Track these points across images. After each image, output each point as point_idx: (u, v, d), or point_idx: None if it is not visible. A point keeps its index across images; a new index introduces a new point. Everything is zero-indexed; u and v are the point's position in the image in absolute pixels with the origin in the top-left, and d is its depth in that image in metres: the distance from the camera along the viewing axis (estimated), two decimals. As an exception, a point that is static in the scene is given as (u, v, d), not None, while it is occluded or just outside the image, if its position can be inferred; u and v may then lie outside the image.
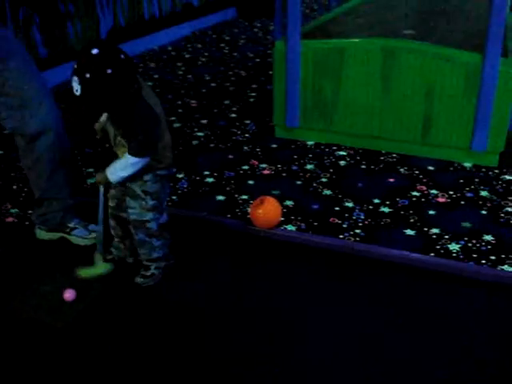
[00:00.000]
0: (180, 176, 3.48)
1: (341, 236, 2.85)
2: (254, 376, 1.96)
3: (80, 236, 2.72)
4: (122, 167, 2.15)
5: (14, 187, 3.47)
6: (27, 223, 3.03)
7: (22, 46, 2.64)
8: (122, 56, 1.97)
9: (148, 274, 2.40)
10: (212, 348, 2.08)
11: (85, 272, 2.38)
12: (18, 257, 2.68)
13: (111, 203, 2.39)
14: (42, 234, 2.84)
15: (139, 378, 1.96)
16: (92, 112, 2.02)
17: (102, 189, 2.29)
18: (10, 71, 2.43)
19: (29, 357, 2.06)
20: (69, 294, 2.30)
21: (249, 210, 3.01)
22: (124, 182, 2.24)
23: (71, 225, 2.77)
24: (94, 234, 2.67)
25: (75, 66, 1.95)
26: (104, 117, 2.10)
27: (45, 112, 2.55)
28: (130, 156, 2.11)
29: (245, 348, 2.08)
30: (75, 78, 1.94)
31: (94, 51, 1.93)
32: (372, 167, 3.58)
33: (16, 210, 3.20)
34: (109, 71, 1.91)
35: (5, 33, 2.54)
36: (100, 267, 2.38)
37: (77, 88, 1.94)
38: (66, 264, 2.56)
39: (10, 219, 3.11)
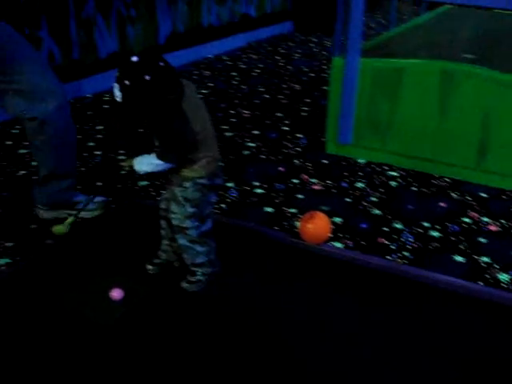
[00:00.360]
0: (230, 185, 3.50)
1: (388, 257, 2.82)
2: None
3: (89, 209, 2.86)
4: (147, 163, 2.20)
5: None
6: (79, 220, 3.09)
7: (22, 36, 2.79)
8: (162, 63, 2.01)
9: (194, 279, 2.41)
10: (247, 358, 2.08)
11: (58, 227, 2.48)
12: (68, 252, 2.73)
13: (163, 205, 2.42)
14: (45, 214, 3.01)
15: (176, 379, 1.97)
16: (132, 118, 2.05)
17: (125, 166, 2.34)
18: (17, 60, 2.61)
19: (73, 352, 2.09)
20: (116, 294, 2.32)
21: (297, 223, 3.01)
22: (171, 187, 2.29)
23: (77, 199, 2.99)
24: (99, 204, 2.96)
25: (117, 74, 2.00)
26: None
27: (53, 97, 2.74)
28: (155, 156, 2.15)
29: (281, 363, 2.07)
30: (116, 85, 1.99)
31: (134, 59, 1.98)
32: (423, 190, 3.54)
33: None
34: (147, 78, 1.95)
35: (3, 25, 2.68)
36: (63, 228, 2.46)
37: (118, 94, 1.99)
38: (115, 263, 2.59)
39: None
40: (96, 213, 3.00)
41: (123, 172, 2.39)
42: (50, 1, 4.87)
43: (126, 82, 1.96)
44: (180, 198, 2.26)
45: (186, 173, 2.23)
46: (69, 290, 2.42)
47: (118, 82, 1.98)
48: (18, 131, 4.40)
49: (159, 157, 2.14)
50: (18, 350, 2.09)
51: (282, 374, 2.02)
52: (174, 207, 2.30)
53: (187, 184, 2.23)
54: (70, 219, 2.57)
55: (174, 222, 2.32)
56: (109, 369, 2.02)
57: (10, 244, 2.89)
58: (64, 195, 2.99)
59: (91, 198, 2.68)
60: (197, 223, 2.32)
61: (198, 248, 2.36)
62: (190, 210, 2.27)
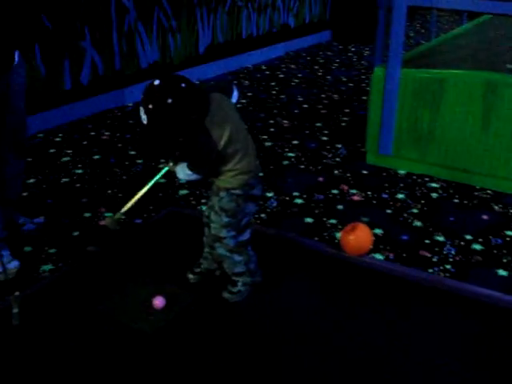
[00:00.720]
0: (269, 195, 3.51)
1: (430, 270, 2.79)
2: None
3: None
4: (181, 170, 2.23)
5: (109, 192, 3.60)
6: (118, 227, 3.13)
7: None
8: (183, 85, 2.05)
9: (235, 290, 2.42)
10: (284, 369, 2.07)
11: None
12: (110, 259, 2.76)
13: (206, 212, 2.45)
14: None
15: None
16: (158, 138, 2.11)
17: (163, 171, 2.34)
18: None
19: (111, 358, 2.11)
20: (158, 302, 2.34)
21: (338, 234, 3.00)
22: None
23: None
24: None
25: (141, 97, 2.06)
26: None
27: None
28: (186, 166, 2.20)
29: (320, 373, 2.06)
30: (141, 109, 2.05)
31: (156, 82, 2.04)
32: (465, 202, 3.50)
33: (110, 213, 3.31)
34: (169, 101, 2.00)
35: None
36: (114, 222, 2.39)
37: (144, 117, 2.05)
38: (156, 271, 2.62)
39: (104, 222, 3.21)
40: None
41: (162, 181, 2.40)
42: (93, 12, 4.96)
43: (150, 106, 2.02)
44: (217, 208, 2.29)
45: (220, 183, 2.27)
46: (110, 296, 2.45)
47: (142, 106, 2.05)
48: (60, 139, 4.48)
49: (189, 168, 2.19)
50: (57, 353, 2.12)
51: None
52: (212, 216, 2.33)
53: (222, 194, 2.26)
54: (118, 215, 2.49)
55: (213, 231, 2.34)
56: (145, 376, 2.03)
57: (53, 250, 2.94)
58: None
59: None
60: (233, 233, 2.33)
61: (236, 257, 2.37)
62: (226, 219, 2.29)
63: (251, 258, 2.43)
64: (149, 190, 2.36)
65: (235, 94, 2.35)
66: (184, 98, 2.03)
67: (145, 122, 2.05)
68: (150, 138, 2.13)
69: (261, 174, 2.35)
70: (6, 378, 2.02)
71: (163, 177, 2.37)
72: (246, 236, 2.39)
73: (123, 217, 2.38)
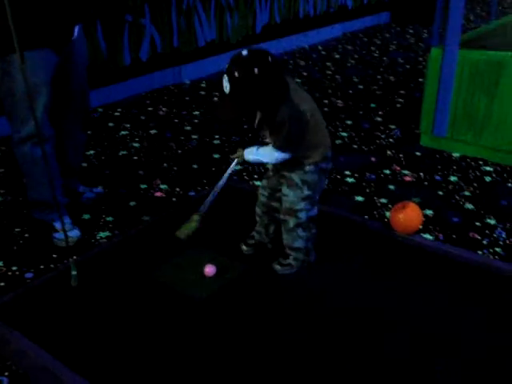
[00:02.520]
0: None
1: (479, 252, 2.79)
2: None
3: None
4: (264, 155, 2.28)
5: (165, 165, 3.69)
6: (174, 199, 3.22)
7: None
8: (270, 59, 2.08)
9: (285, 262, 2.47)
10: (329, 344, 2.12)
11: (181, 232, 2.46)
12: (164, 229, 2.85)
13: (264, 192, 2.50)
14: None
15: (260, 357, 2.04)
16: (239, 108, 2.13)
17: (235, 162, 2.42)
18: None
19: (163, 323, 2.20)
20: (209, 269, 2.42)
21: (388, 213, 3.02)
22: (282, 173, 2.37)
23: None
24: None
25: (227, 66, 2.09)
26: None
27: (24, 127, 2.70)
28: (273, 148, 2.22)
29: (365, 346, 2.10)
30: (225, 77, 2.08)
31: (244, 52, 2.08)
32: (519, 186, 3.46)
33: (165, 185, 3.41)
34: (256, 71, 2.03)
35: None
36: (192, 221, 2.45)
37: (226, 85, 2.08)
38: (209, 241, 2.69)
39: (159, 194, 3.32)
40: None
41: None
42: (154, -11, 5.05)
43: (236, 74, 2.04)
44: (298, 181, 2.32)
45: (306, 157, 2.29)
46: (164, 264, 2.54)
47: (227, 74, 2.07)
48: (119, 114, 4.61)
49: (278, 148, 2.21)
50: (112, 316, 2.23)
51: (374, 369, 2.05)
52: (287, 191, 2.36)
53: (308, 167, 2.30)
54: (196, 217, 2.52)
55: (286, 205, 2.38)
56: (195, 342, 2.11)
57: (110, 219, 3.06)
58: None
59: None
60: (309, 206, 2.38)
61: (301, 232, 2.41)
62: (307, 192, 2.33)
63: (312, 236, 2.47)
64: (224, 184, 2.46)
65: None
66: (270, 70, 2.06)
67: (227, 90, 2.08)
68: (231, 107, 2.13)
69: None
70: (63, 335, 2.13)
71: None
72: (314, 211, 2.43)
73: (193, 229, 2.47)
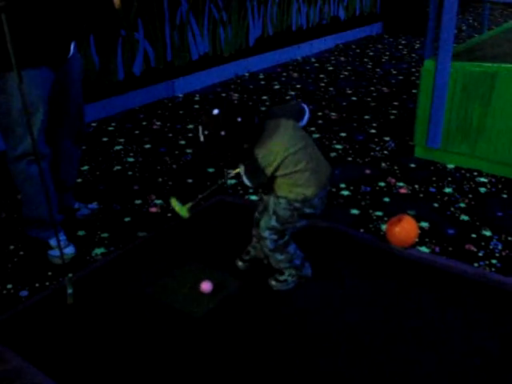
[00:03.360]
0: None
1: (475, 264, 2.79)
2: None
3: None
4: (242, 173, 2.30)
5: (160, 180, 3.69)
6: (169, 215, 3.22)
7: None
8: (239, 119, 2.15)
9: (281, 278, 2.47)
10: (326, 357, 2.11)
11: (175, 203, 2.40)
12: (159, 244, 2.85)
13: (260, 207, 2.52)
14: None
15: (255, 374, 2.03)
16: (211, 156, 2.32)
17: (231, 174, 2.40)
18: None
19: (159, 339, 2.19)
20: (206, 286, 2.41)
21: (384, 226, 3.02)
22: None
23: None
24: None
25: (201, 118, 2.22)
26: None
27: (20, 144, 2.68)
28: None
29: (364, 362, 2.09)
30: (200, 128, 2.21)
31: (215, 112, 2.17)
32: (514, 197, 3.47)
33: (160, 201, 3.40)
34: (222, 133, 2.15)
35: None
36: (183, 211, 2.39)
37: (200, 135, 2.21)
38: (205, 257, 2.69)
39: (154, 209, 3.31)
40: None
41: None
42: (146, 4, 5.06)
43: (206, 132, 2.18)
44: (270, 209, 2.35)
45: (279, 191, 2.31)
46: (159, 280, 2.53)
47: (200, 127, 2.20)
48: (113, 128, 4.61)
49: (243, 172, 2.27)
50: (107, 331, 2.21)
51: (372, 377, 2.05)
52: (264, 213, 2.40)
53: (281, 200, 2.31)
54: (189, 204, 2.45)
55: (259, 228, 2.41)
56: (193, 359, 2.10)
57: (106, 235, 3.04)
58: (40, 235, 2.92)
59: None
60: (275, 237, 2.38)
61: (278, 256, 2.42)
62: (274, 223, 2.35)
63: (294, 256, 2.46)
64: (219, 185, 2.45)
65: (306, 116, 2.39)
66: (237, 131, 2.15)
67: (201, 139, 2.21)
68: (205, 153, 2.40)
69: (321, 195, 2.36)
70: (59, 351, 2.12)
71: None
72: (284, 239, 2.42)
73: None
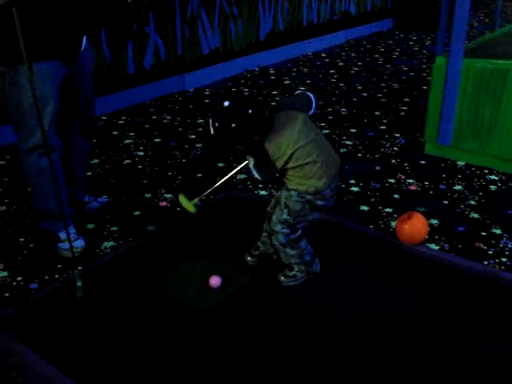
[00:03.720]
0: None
1: (485, 262, 2.78)
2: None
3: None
4: (252, 167, 2.29)
5: (169, 174, 3.69)
6: (179, 209, 3.22)
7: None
8: (250, 111, 2.14)
9: (290, 274, 2.47)
10: (335, 354, 2.11)
11: (183, 199, 2.40)
12: (168, 238, 2.85)
13: (271, 202, 2.53)
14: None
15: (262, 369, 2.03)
16: (221, 148, 2.40)
17: (242, 164, 2.40)
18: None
19: (167, 333, 2.19)
20: (215, 281, 2.41)
21: (393, 223, 3.01)
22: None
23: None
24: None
25: (211, 111, 2.21)
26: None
27: (32, 137, 2.69)
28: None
29: (371, 357, 2.09)
30: (210, 121, 2.19)
31: (226, 104, 2.16)
32: (525, 195, 3.45)
33: (170, 195, 3.40)
34: (233, 125, 2.13)
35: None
36: (190, 207, 2.39)
37: (211, 128, 2.19)
38: (214, 252, 2.69)
39: (164, 203, 3.31)
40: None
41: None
42: (158, -3, 5.06)
43: (216, 125, 2.16)
44: (282, 202, 2.35)
45: (290, 184, 2.31)
46: (169, 275, 2.54)
47: (211, 120, 2.19)
48: (123, 122, 4.61)
49: (255, 168, 2.26)
50: (116, 325, 2.22)
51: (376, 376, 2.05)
52: (276, 207, 2.40)
53: (293, 193, 2.31)
54: (196, 199, 2.45)
55: (271, 223, 2.40)
56: (201, 354, 2.11)
57: (115, 228, 3.05)
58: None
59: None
60: (287, 231, 2.37)
61: (289, 251, 2.42)
62: (286, 216, 2.34)
63: (305, 251, 2.46)
64: (227, 179, 2.46)
65: (313, 105, 2.41)
66: (247, 123, 2.14)
67: (211, 131, 2.19)
68: (214, 146, 2.35)
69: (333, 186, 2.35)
70: (68, 344, 2.13)
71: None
72: (297, 234, 2.41)
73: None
